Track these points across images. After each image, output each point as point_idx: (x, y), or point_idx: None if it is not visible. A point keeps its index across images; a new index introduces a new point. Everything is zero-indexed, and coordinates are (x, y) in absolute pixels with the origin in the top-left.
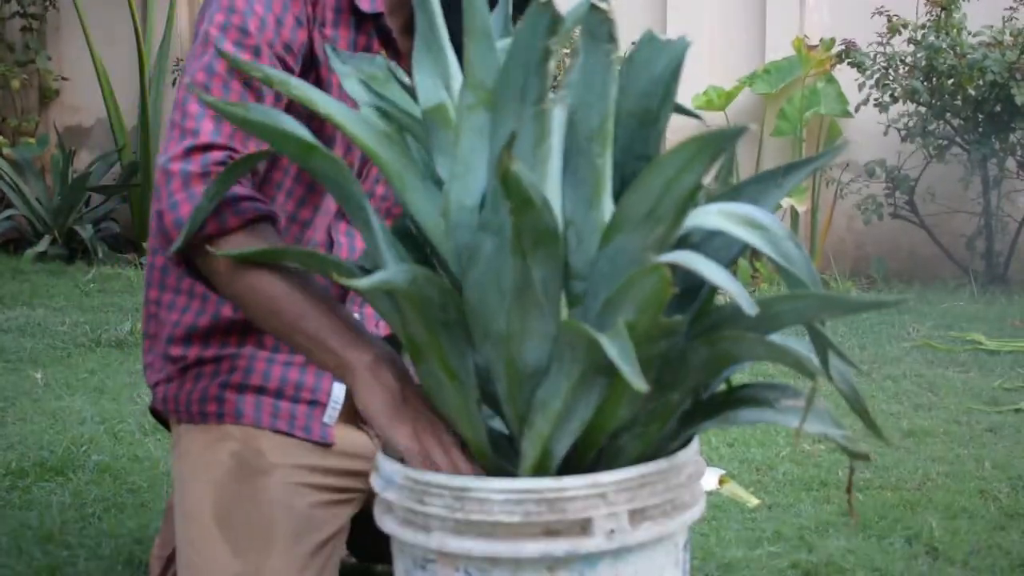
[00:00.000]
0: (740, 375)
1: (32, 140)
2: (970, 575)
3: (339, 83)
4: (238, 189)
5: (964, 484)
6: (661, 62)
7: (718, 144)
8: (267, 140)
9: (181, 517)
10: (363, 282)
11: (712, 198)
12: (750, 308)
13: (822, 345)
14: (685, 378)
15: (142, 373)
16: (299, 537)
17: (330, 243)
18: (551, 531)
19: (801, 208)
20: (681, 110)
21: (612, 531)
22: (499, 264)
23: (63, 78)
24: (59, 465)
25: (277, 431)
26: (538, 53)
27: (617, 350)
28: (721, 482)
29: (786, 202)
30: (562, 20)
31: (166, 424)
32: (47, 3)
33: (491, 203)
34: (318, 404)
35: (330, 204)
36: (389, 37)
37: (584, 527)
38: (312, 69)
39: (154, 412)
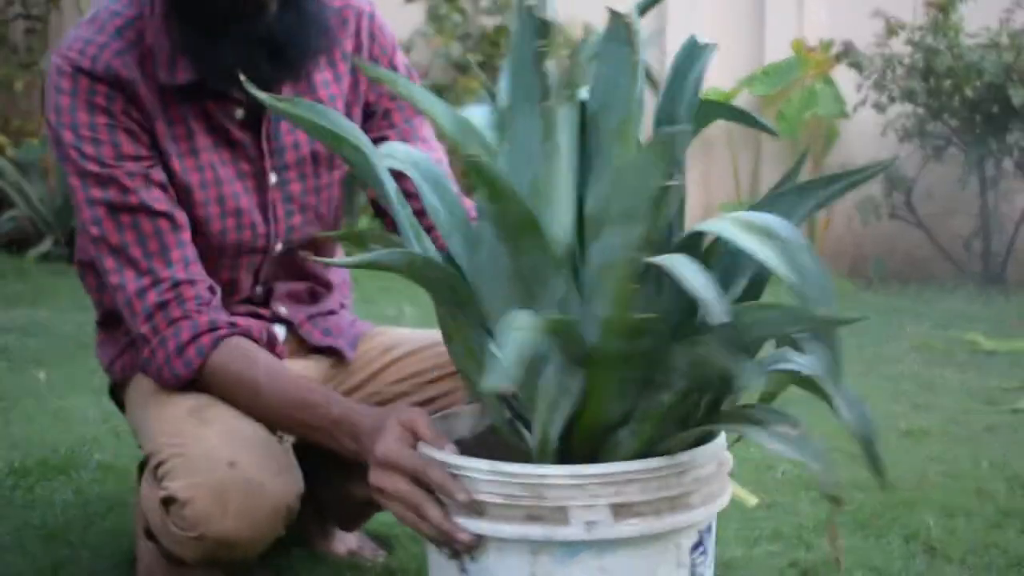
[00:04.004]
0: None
1: (35, 141)
2: (967, 574)
3: (180, 169)
4: (217, 315)
5: (962, 483)
6: (698, 69)
7: (671, 145)
8: (306, 130)
9: (138, 397)
10: (350, 260)
11: (754, 206)
12: (717, 317)
13: (833, 356)
14: (671, 380)
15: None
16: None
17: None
18: (533, 516)
19: None
20: (755, 123)
21: (592, 522)
22: (496, 251)
23: None
24: (62, 464)
25: None
26: (531, 55)
27: (502, 344)
28: None
29: None
30: (549, 23)
31: (122, 404)
32: (50, 5)
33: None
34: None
35: (252, 259)
36: (212, 102)
37: (563, 515)
38: (161, 160)
39: (112, 392)
